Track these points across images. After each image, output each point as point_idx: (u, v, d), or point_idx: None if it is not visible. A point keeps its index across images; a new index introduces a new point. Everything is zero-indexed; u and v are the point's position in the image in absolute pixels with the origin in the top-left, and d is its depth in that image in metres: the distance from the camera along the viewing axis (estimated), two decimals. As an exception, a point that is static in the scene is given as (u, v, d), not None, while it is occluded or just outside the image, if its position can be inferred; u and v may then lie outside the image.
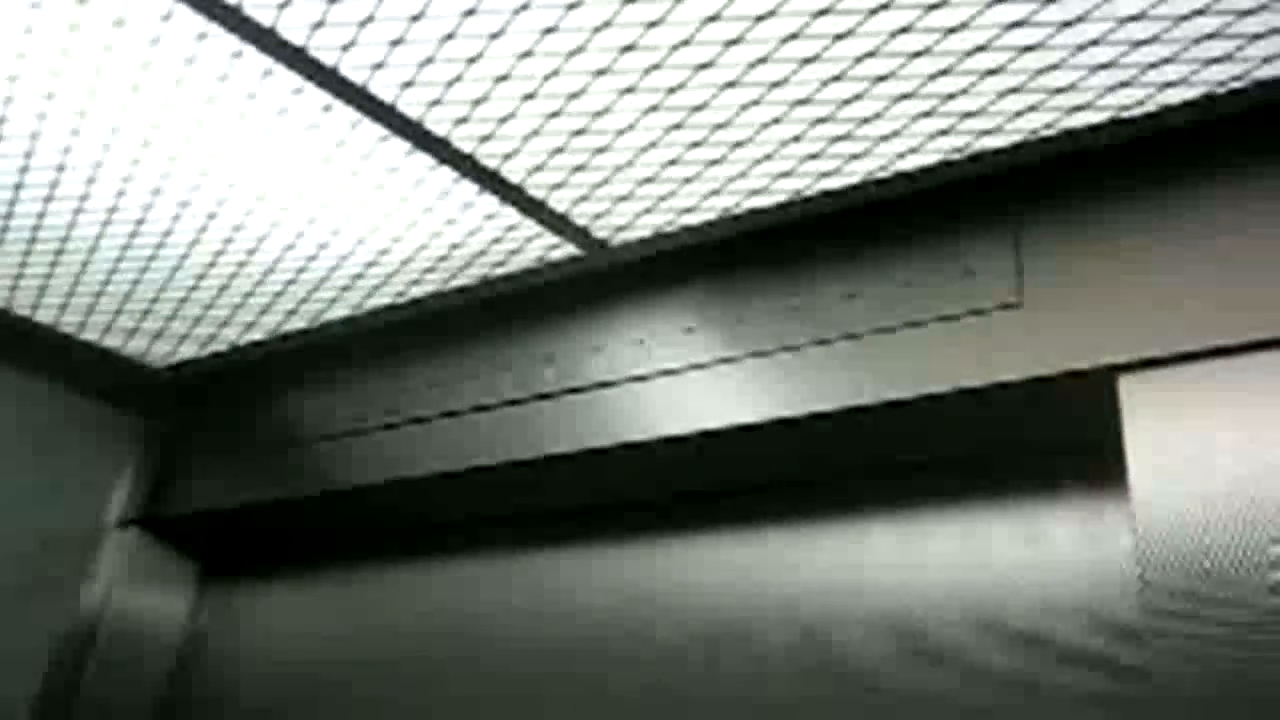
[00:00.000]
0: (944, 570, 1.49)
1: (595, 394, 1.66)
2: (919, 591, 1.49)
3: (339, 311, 1.93)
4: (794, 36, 1.19)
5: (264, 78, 1.32)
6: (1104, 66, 1.21)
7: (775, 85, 1.28)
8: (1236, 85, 1.23)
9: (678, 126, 1.37)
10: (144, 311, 1.97)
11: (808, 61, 1.23)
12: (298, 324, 1.99)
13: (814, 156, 1.41)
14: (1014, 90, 1.26)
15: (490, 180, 1.50)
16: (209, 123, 1.42)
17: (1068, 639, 1.36)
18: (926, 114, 1.31)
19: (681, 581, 1.72)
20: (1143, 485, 1.18)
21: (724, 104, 1.32)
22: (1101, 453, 1.43)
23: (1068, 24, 1.15)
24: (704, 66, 1.25)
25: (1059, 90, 1.26)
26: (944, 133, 1.35)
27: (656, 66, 1.26)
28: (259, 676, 2.16)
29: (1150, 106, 1.28)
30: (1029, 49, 1.19)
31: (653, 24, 1.19)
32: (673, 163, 1.44)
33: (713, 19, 1.18)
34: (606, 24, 1.19)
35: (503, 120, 1.37)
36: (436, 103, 1.35)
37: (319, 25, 1.23)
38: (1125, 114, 1.29)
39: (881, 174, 1.44)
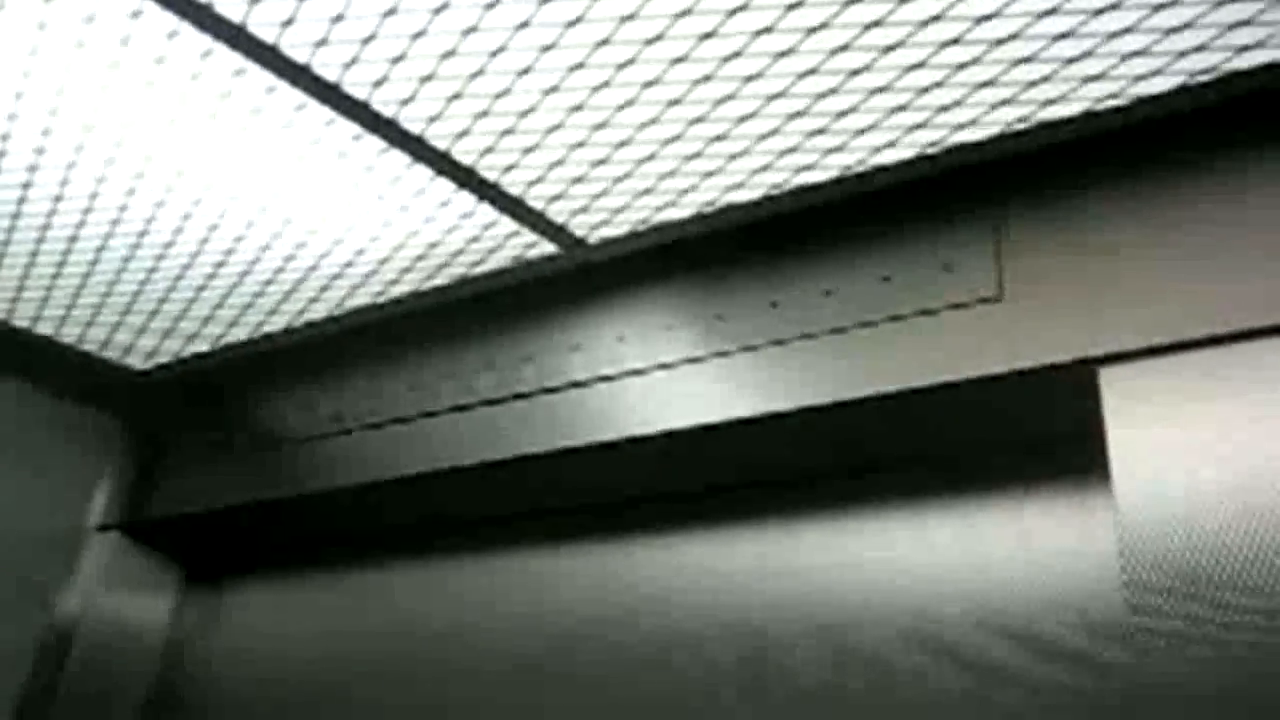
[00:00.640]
0: (925, 565, 1.48)
1: (575, 392, 1.65)
2: (901, 586, 1.49)
3: (317, 312, 1.92)
4: (767, 30, 1.19)
5: (236, 76, 1.31)
6: (1079, 58, 1.21)
7: (750, 79, 1.27)
8: (1212, 76, 1.23)
9: (654, 122, 1.36)
10: (122, 312, 1.96)
11: (782, 55, 1.23)
12: (276, 325, 1.98)
13: (791, 151, 1.40)
14: (989, 83, 1.26)
15: (467, 178, 1.50)
16: (182, 122, 1.40)
17: (1049, 634, 1.36)
18: (902, 108, 1.31)
19: (666, 580, 1.71)
20: (1125, 478, 1.18)
21: (699, 99, 1.31)
22: (1084, 445, 1.43)
23: (1040, 16, 1.15)
24: (678, 61, 1.25)
25: (1034, 83, 1.25)
26: (920, 126, 1.34)
27: (631, 61, 1.25)
28: (242, 680, 2.14)
29: (1126, 99, 1.28)
30: (1002, 41, 1.19)
31: (627, 18, 1.18)
32: (650, 158, 1.43)
33: (686, 13, 1.17)
34: (580, 19, 1.19)
35: (478, 117, 1.37)
36: (410, 100, 1.34)
37: (289, 23, 1.22)
38: (1101, 106, 1.29)
39: (859, 168, 1.44)
